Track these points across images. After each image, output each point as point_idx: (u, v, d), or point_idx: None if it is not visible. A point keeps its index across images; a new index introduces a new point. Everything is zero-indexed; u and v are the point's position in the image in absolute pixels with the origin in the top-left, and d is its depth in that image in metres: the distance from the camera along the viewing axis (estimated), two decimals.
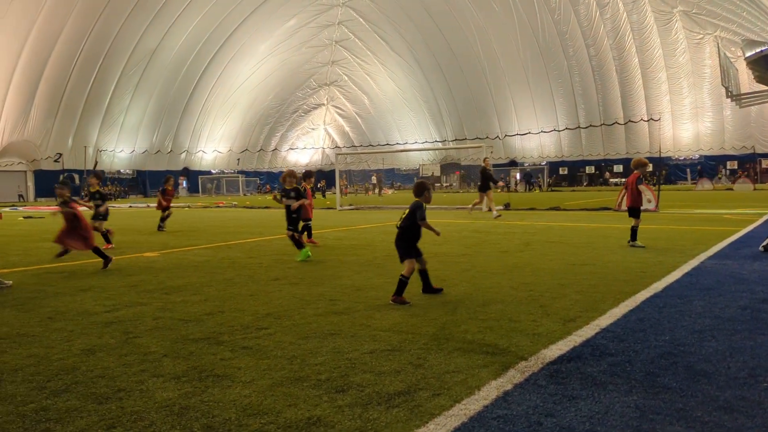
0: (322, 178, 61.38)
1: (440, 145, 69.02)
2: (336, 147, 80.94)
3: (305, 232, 11.51)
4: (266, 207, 30.53)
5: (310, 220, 11.72)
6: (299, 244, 9.70)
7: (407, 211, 6.47)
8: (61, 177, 50.69)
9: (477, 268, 8.26)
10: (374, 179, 63.34)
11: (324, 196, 48.82)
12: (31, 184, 56.45)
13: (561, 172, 66.47)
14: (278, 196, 9.94)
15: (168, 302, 6.33)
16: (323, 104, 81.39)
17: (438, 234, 6.72)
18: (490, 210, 19.48)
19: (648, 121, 43.24)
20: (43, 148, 54.66)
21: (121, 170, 63.82)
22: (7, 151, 53.16)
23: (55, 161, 53.92)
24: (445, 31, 61.78)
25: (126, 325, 5.31)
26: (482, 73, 63.69)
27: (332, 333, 4.89)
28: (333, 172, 53.61)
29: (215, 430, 3.01)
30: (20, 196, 54.91)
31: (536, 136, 62.80)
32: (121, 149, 61.83)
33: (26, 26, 47.18)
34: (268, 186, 65.45)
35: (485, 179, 19.44)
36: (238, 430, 3.01)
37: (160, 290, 7.05)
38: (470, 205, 20.79)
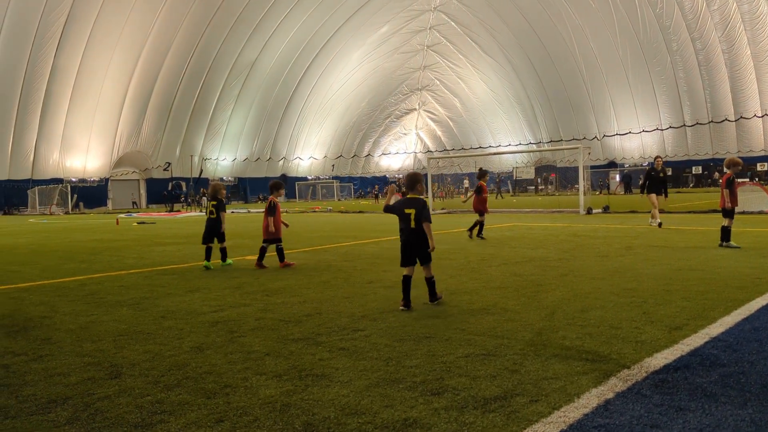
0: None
1: (534, 147, 67.43)
2: (428, 151, 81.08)
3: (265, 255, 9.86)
4: (360, 212, 31.07)
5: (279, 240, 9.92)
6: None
7: (413, 210, 6.12)
8: (170, 185, 54.16)
9: (575, 273, 8.01)
10: (466, 183, 62.87)
11: None
12: (143, 191, 60.60)
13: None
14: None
15: (269, 303, 6.59)
16: (415, 109, 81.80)
17: (432, 247, 6.13)
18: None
19: (762, 117, 40.11)
20: (153, 157, 58.59)
21: (224, 177, 67.07)
22: (122, 161, 57.43)
23: (165, 170, 57.51)
24: (538, 31, 60.35)
25: (231, 325, 5.58)
26: (578, 71, 61.61)
27: (426, 336, 4.90)
28: (424, 176, 53.80)
29: (315, 428, 3.10)
30: (134, 203, 59.04)
31: (637, 135, 59.96)
32: (223, 157, 65.09)
33: (138, 46, 50.88)
34: (376, 186, 65.99)
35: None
36: (337, 428, 3.09)
37: (261, 292, 7.36)
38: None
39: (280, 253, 9.79)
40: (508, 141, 71.96)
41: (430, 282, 6.22)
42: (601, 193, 49.98)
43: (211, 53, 55.49)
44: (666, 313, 5.42)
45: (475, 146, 73.54)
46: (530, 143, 69.60)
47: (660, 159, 16.56)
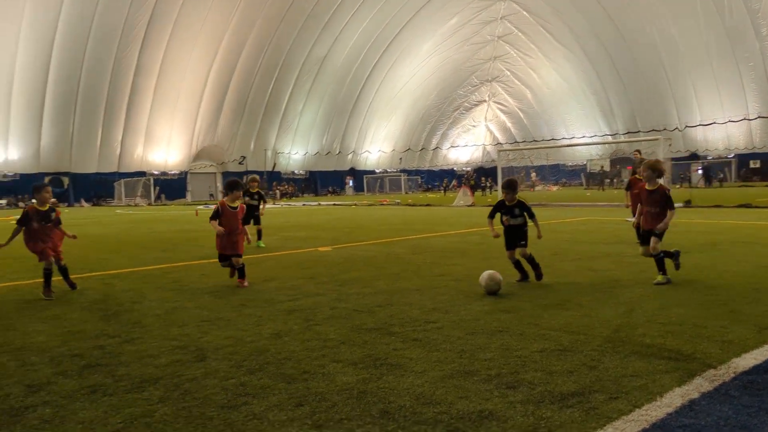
0: (483, 175, 61.04)
1: (610, 138, 65.15)
2: (497, 143, 79.94)
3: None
4: (427, 205, 31.06)
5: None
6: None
7: (516, 208, 7.06)
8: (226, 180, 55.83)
9: (654, 269, 7.72)
10: (533, 176, 61.54)
11: (491, 192, 48.47)
12: (219, 184, 62.76)
13: (752, 165, 59.36)
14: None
15: (342, 293, 6.73)
16: (485, 101, 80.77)
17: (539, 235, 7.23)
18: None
19: None
20: (229, 151, 60.61)
21: (295, 171, 68.58)
22: (200, 155, 59.73)
23: (240, 163, 59.45)
24: (615, 18, 58.13)
25: (306, 313, 5.74)
26: (658, 59, 58.93)
27: (500, 330, 4.88)
28: (493, 169, 53.03)
29: (391, 415, 3.17)
30: (211, 195, 61.27)
31: (722, 126, 56.92)
32: (296, 151, 66.53)
33: (215, 43, 52.70)
34: (455, 182, 65.72)
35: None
36: (413, 417, 3.14)
37: (334, 282, 7.51)
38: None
39: (239, 270, 7.60)
40: (582, 133, 69.94)
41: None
42: (681, 186, 47.80)
43: (283, 49, 56.77)
44: (755, 312, 5.16)
45: (547, 138, 71.85)
46: (605, 135, 67.35)
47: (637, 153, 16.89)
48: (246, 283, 7.49)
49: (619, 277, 7.23)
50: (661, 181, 6.99)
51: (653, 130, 57.48)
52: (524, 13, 63.86)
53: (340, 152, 70.63)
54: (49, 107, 48.10)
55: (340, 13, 56.14)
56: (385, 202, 37.62)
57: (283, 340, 4.76)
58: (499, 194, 26.80)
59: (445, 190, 57.54)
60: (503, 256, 7.37)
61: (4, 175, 48.60)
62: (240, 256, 7.59)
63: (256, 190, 12.74)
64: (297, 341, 4.72)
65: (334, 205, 37.69)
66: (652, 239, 6.81)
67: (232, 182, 7.96)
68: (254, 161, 61.25)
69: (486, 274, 6.36)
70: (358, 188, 71.89)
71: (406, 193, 67.00)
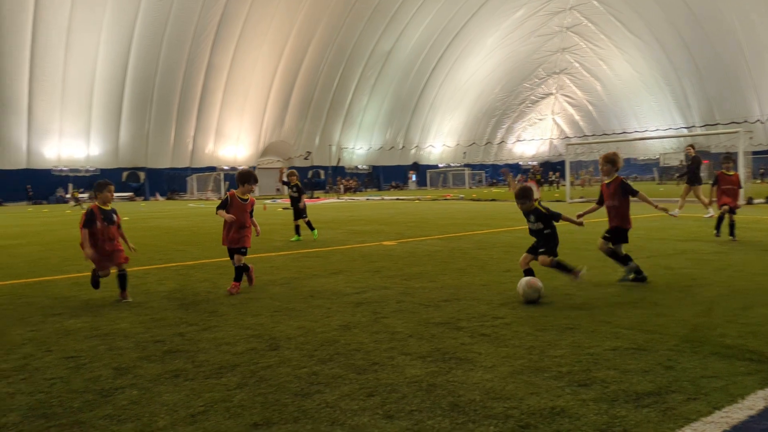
0: (550, 169, 59.73)
1: (685, 131, 62.37)
2: (565, 137, 78.01)
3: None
4: (492, 200, 30.69)
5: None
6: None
7: (531, 215, 6.43)
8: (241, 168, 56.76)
9: (734, 268, 7.40)
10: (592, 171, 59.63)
11: (558, 188, 47.44)
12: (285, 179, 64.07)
13: None
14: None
15: (408, 287, 6.78)
16: (552, 93, 79.00)
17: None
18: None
19: None
20: (295, 147, 61.81)
21: (359, 166, 69.16)
22: (267, 150, 61.20)
23: (305, 159, 60.50)
24: (691, 5, 55.51)
25: (374, 306, 5.83)
26: (737, 47, 55.92)
27: (570, 327, 4.81)
28: (560, 163, 51.82)
29: (462, 409, 3.19)
30: (277, 189, 62.62)
31: None
32: (359, 146, 67.14)
33: (282, 41, 53.81)
34: (521, 177, 64.53)
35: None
36: (483, 411, 3.15)
37: (400, 276, 7.57)
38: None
39: (237, 270, 6.83)
40: (656, 125, 67.21)
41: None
42: (763, 181, 45.31)
43: (348, 45, 57.36)
44: None
45: (617, 131, 69.54)
46: (680, 127, 64.53)
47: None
48: (235, 291, 6.61)
49: (696, 275, 6.97)
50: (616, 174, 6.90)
51: (732, 122, 54.55)
52: (594, 2, 61.99)
53: (403, 147, 70.74)
54: (126, 106, 50.45)
55: (406, 7, 56.17)
56: (448, 197, 37.43)
57: (352, 332, 4.86)
58: (567, 190, 26.18)
59: (507, 184, 56.36)
60: (573, 252, 7.24)
61: (87, 170, 51.30)
62: (244, 252, 6.86)
63: (295, 182, 13.01)
64: (365, 333, 4.81)
65: (398, 199, 37.79)
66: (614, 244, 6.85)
67: (245, 173, 7.18)
68: (319, 156, 62.22)
69: (524, 281, 5.98)
70: (421, 183, 71.81)
71: (470, 187, 66.42)
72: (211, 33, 49.82)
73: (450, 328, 4.92)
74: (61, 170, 50.15)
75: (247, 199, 7.05)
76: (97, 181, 6.81)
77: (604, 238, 6.90)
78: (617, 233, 6.80)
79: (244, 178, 7.08)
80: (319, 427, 3.01)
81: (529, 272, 6.29)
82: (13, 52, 43.44)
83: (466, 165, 74.83)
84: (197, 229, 16.50)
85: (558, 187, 47.97)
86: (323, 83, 59.42)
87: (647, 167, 69.71)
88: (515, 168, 77.57)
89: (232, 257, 6.92)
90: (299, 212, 12.63)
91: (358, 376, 3.76)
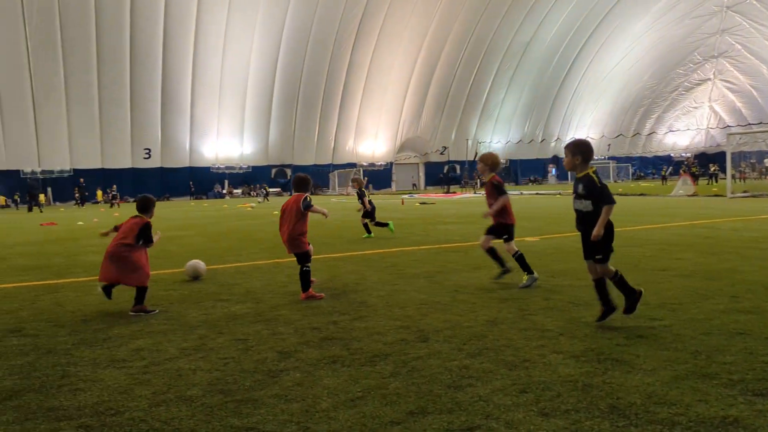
0: (707, 161, 54.98)
1: None
2: (725, 126, 71.30)
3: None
4: (641, 194, 28.93)
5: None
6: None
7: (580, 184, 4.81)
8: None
9: None
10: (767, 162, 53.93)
11: (716, 181, 43.60)
12: (422, 174, 64.86)
13: None
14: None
15: (555, 285, 6.62)
16: (709, 79, 72.54)
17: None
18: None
19: None
20: (431, 142, 62.25)
21: None
22: (403, 146, 62.24)
23: (441, 154, 60.73)
24: None
25: (519, 303, 5.76)
26: None
27: (740, 332, 4.44)
28: (718, 154, 47.46)
29: (621, 412, 3.08)
30: (413, 185, 63.54)
31: None
32: (497, 140, 66.13)
33: (420, 37, 54.44)
34: (664, 168, 59.80)
35: None
36: (646, 415, 3.02)
37: (545, 273, 7.39)
38: None
39: (303, 276, 6.37)
40: None
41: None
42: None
43: (486, 38, 56.70)
44: None
45: None
46: None
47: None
48: (304, 296, 6.29)
49: None
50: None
51: None
52: None
53: (544, 140, 68.62)
54: (275, 107, 53.81)
55: None
56: None
57: (500, 328, 4.84)
58: (728, 183, 23.90)
59: (664, 179, 52.46)
60: (738, 250, 6.64)
61: (240, 167, 55.44)
62: (298, 256, 6.39)
63: (357, 188, 13.83)
64: (514, 329, 4.77)
65: (537, 194, 36.79)
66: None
67: (303, 180, 6.67)
68: (455, 151, 62.16)
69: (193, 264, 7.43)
70: (562, 177, 69.20)
71: (615, 181, 62.91)
72: (352, 33, 51.64)
73: (603, 328, 4.74)
74: (218, 168, 54.69)
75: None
76: (144, 195, 6.44)
77: (487, 233, 6.99)
78: (499, 229, 6.95)
79: (306, 183, 6.66)
80: (474, 420, 3.05)
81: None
82: (179, 59, 47.99)
83: (611, 158, 70.96)
84: (340, 223, 17.20)
85: (716, 181, 44.02)
86: (460, 78, 59.26)
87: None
88: (666, 161, 72.30)
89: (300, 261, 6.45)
90: (365, 214, 12.96)
91: (510, 372, 3.75)
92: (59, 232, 17.68)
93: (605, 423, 2.95)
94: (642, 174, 72.57)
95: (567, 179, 67.17)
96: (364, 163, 58.95)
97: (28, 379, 4.00)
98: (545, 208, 20.90)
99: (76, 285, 7.79)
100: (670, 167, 63.83)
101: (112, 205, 41.37)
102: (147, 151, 50.79)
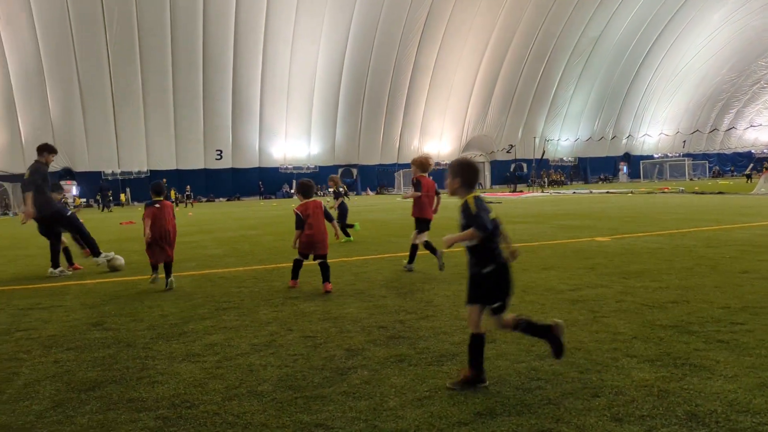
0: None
1: None
2: None
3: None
4: (719, 193, 27.57)
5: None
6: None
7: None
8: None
9: None
10: None
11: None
12: (487, 173, 64.04)
13: None
14: None
15: (627, 286, 6.40)
16: None
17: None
18: None
19: None
20: (497, 140, 61.46)
21: (564, 158, 66.54)
22: (469, 145, 61.69)
23: (507, 152, 59.87)
24: None
25: (591, 305, 5.61)
26: None
27: None
28: None
29: (700, 419, 2.96)
30: (479, 184, 62.85)
31: None
32: (566, 138, 64.63)
33: (486, 36, 53.89)
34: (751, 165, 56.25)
35: None
36: (727, 424, 2.89)
37: (617, 274, 7.18)
38: None
39: (324, 269, 6.96)
40: None
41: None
42: None
43: (554, 34, 55.50)
44: None
45: None
46: None
47: None
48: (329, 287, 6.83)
49: None
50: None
51: None
52: None
53: (615, 137, 66.43)
54: (341, 108, 54.52)
55: None
56: (666, 190, 34.37)
57: (570, 330, 4.73)
58: None
59: (749, 177, 49.57)
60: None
61: (308, 168, 56.50)
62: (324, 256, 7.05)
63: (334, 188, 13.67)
64: (585, 332, 4.66)
65: (607, 192, 35.68)
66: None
67: (309, 183, 7.31)
68: (522, 149, 61.14)
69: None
70: (633, 175, 66.82)
71: (691, 179, 60.19)
72: (417, 33, 51.65)
73: (679, 331, 4.55)
74: (286, 168, 55.92)
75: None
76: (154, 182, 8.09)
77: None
78: (420, 222, 8.21)
79: (310, 188, 7.24)
80: (543, 423, 3.01)
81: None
82: (249, 64, 49.38)
83: (687, 155, 67.92)
84: (406, 222, 17.24)
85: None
86: (527, 75, 58.21)
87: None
88: (747, 156, 68.57)
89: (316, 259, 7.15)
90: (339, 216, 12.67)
91: (580, 375, 3.67)
92: (137, 231, 18.53)
93: (683, 430, 2.85)
94: (720, 171, 69.06)
95: (639, 177, 64.84)
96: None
97: (109, 371, 4.22)
98: (617, 208, 20.24)
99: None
100: (751, 164, 60.41)
101: (186, 205, 42.99)
102: (219, 152, 52.54)
